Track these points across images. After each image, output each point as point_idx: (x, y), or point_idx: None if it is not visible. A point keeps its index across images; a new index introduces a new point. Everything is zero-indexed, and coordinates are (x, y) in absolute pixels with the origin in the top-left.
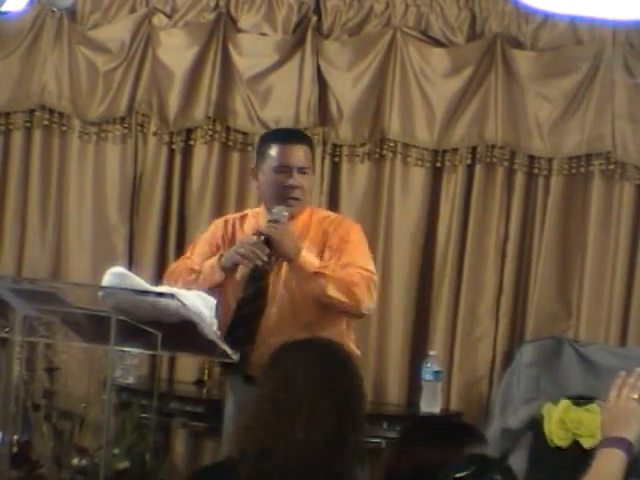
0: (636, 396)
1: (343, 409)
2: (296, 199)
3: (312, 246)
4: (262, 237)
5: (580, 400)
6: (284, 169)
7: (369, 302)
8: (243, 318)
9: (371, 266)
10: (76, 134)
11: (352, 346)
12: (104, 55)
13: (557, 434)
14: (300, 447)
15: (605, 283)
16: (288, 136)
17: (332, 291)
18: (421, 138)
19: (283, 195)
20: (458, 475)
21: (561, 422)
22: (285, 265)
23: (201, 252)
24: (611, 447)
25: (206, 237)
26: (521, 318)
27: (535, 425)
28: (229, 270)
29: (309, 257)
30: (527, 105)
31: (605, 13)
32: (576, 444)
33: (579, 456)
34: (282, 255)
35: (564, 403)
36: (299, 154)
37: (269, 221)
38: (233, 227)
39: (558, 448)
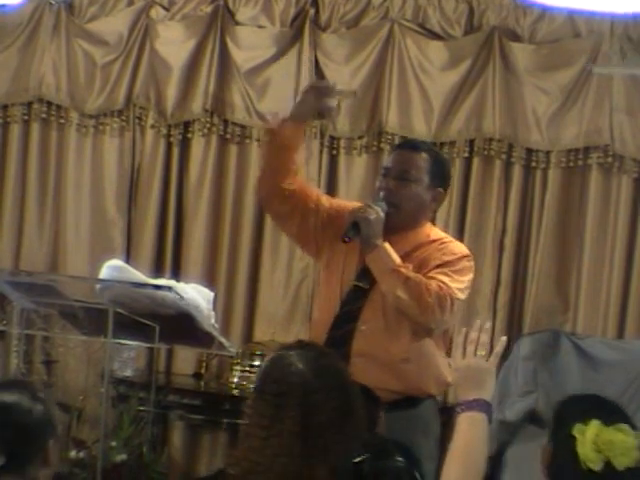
0: (483, 353)
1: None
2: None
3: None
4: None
5: (608, 418)
6: (383, 171)
7: (439, 316)
8: (334, 339)
9: (458, 292)
10: (74, 127)
11: (446, 372)
12: (102, 48)
13: (591, 458)
14: None
15: (603, 276)
16: (405, 143)
17: (401, 292)
18: (419, 131)
19: (375, 198)
20: (356, 460)
21: (594, 444)
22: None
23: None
24: (471, 411)
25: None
26: (519, 311)
27: (534, 421)
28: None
29: (391, 252)
30: (525, 98)
31: (603, 6)
32: (607, 466)
33: (614, 478)
34: (365, 239)
35: (595, 424)
36: (401, 159)
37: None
38: None
39: (590, 470)
